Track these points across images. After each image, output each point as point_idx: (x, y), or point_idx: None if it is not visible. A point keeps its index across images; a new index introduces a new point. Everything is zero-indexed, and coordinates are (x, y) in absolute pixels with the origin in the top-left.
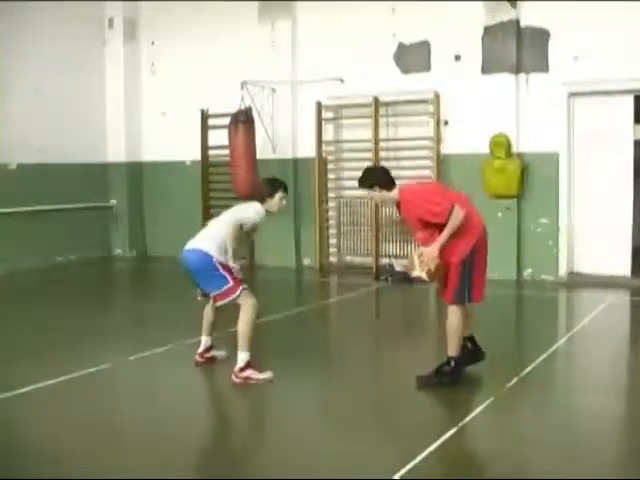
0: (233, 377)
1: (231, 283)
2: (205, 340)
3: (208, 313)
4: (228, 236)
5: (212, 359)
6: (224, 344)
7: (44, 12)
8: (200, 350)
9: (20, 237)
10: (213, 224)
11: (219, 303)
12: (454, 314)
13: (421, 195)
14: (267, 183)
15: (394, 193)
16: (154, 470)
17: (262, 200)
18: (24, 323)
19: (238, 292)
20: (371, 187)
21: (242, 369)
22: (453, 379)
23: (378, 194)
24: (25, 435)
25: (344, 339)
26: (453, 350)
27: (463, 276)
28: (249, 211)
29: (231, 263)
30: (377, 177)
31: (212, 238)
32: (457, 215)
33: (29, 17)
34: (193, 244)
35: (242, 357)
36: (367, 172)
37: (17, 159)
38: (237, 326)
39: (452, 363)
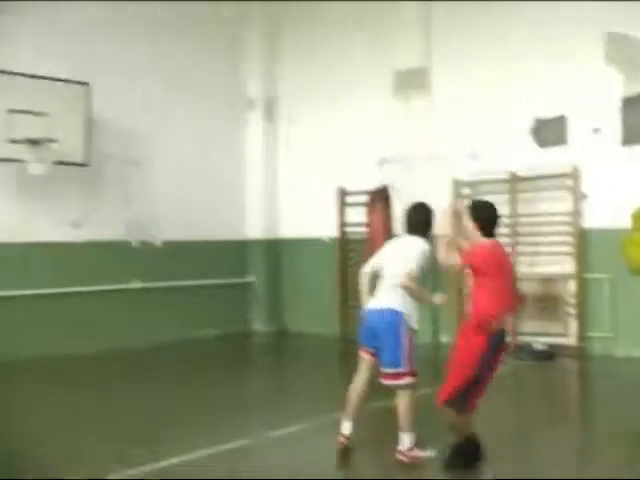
0: (401, 457)
1: (407, 366)
2: (348, 426)
3: (359, 391)
4: (411, 288)
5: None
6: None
7: (187, 91)
8: (346, 433)
9: (164, 311)
10: (388, 271)
11: (386, 382)
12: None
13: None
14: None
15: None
16: None
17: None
18: (166, 394)
19: (410, 381)
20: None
21: (410, 449)
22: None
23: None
24: None
25: (490, 419)
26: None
27: None
28: (421, 249)
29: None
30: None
31: (399, 292)
32: None
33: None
34: (385, 303)
35: (408, 438)
36: (489, 206)
37: (163, 236)
38: (398, 407)
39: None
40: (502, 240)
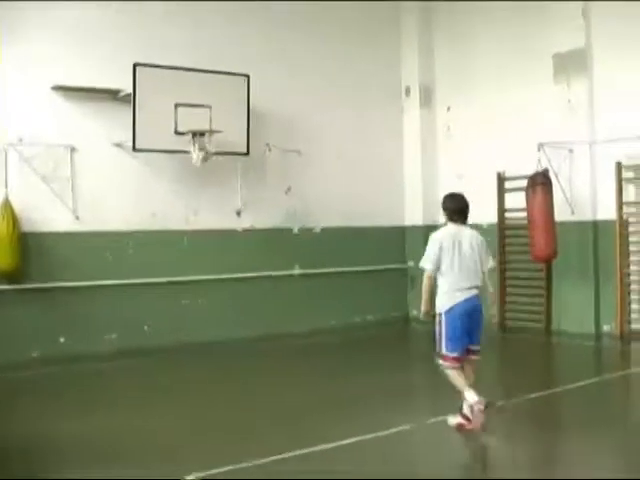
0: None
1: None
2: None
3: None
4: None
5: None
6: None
7: (345, 80)
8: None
9: (322, 297)
10: (470, 261)
11: (475, 357)
12: None
13: None
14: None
15: None
16: None
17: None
18: (323, 380)
19: (442, 364)
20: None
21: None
22: None
23: None
24: None
25: None
26: None
27: None
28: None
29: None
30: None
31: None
32: None
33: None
34: (476, 290)
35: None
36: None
37: (322, 223)
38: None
39: None
40: None
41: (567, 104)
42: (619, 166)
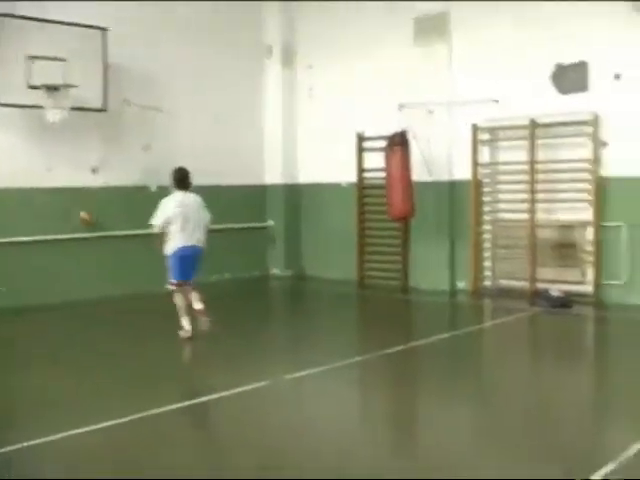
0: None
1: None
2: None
3: (184, 297)
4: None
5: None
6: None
7: (206, 38)
8: (188, 328)
9: None
10: (194, 217)
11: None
12: None
13: None
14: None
15: None
16: None
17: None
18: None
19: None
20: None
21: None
22: None
23: None
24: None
25: (498, 364)
26: None
27: None
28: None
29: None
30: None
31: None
32: None
33: (190, 42)
34: (197, 240)
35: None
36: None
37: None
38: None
39: None
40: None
41: (427, 67)
42: (475, 128)
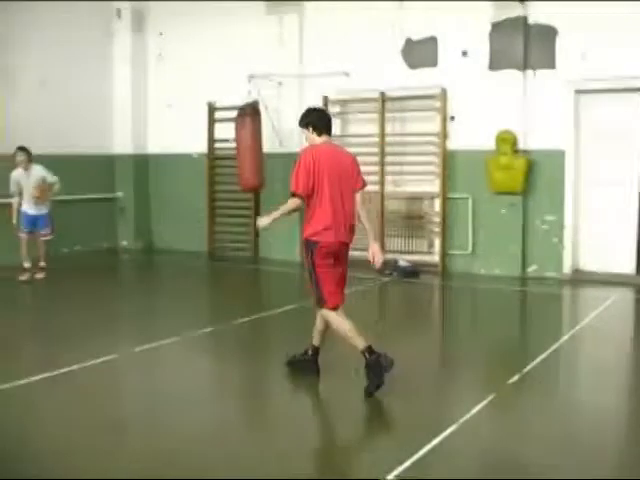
0: None
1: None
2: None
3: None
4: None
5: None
6: None
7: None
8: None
9: None
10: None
11: (46, 238)
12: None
13: (302, 159)
14: None
15: (314, 140)
16: (153, 466)
17: None
18: (28, 315)
19: None
20: (306, 126)
21: None
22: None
23: (309, 135)
24: (21, 429)
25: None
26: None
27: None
28: None
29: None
30: (313, 118)
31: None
32: (290, 202)
33: (35, 6)
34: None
35: None
36: (306, 112)
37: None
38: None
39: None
40: (370, 159)
41: (278, 38)
42: (326, 100)
